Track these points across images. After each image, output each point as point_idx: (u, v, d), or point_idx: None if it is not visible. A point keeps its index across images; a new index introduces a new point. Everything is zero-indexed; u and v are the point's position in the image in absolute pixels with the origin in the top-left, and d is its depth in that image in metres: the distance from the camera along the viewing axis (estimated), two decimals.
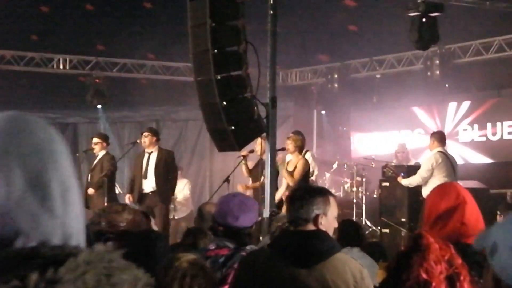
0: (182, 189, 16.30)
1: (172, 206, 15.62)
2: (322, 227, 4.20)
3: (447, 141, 16.21)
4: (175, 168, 13.28)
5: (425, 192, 12.01)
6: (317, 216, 4.18)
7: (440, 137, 12.57)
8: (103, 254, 1.34)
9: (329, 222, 4.26)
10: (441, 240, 2.85)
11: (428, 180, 11.99)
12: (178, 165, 16.65)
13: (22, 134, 1.44)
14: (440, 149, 12.33)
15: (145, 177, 12.89)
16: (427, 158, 12.37)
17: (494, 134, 15.89)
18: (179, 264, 3.80)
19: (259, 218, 10.12)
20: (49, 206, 1.41)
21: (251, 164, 13.06)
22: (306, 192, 4.30)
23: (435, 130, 13.33)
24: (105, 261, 1.32)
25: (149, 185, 12.85)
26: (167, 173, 12.88)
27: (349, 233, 7.47)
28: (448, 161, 12.19)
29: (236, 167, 12.73)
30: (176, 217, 15.56)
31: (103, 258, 1.33)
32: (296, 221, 4.20)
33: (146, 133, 13.12)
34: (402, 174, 12.99)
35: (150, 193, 12.81)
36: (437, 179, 11.71)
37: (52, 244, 1.38)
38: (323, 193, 4.32)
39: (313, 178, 13.25)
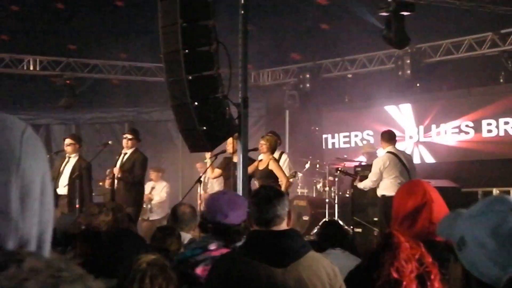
0: (160, 191, 16.25)
1: (149, 206, 15.59)
2: (291, 222, 4.30)
3: (420, 139, 16.38)
4: (140, 170, 13.00)
5: (379, 192, 12.15)
6: (289, 212, 4.27)
7: (388, 137, 12.55)
8: (52, 262, 1.26)
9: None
10: (411, 239, 2.84)
11: (379, 182, 12.13)
12: (158, 168, 16.62)
13: None
14: (389, 149, 12.34)
15: (117, 178, 12.91)
16: (375, 161, 12.43)
17: (465, 132, 15.96)
18: (138, 266, 3.78)
19: None
20: (4, 210, 1.37)
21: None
22: (277, 191, 4.39)
23: (384, 130, 13.30)
24: (53, 269, 1.24)
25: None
26: (129, 174, 12.79)
27: (330, 233, 7.45)
28: (397, 161, 12.18)
29: (208, 167, 12.72)
30: (151, 219, 15.51)
31: (51, 266, 1.25)
32: (274, 220, 4.20)
33: (128, 135, 13.08)
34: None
35: (116, 192, 12.82)
36: (388, 180, 11.90)
37: (4, 250, 1.32)
38: (283, 192, 4.48)
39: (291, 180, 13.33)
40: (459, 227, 2.14)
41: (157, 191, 16.17)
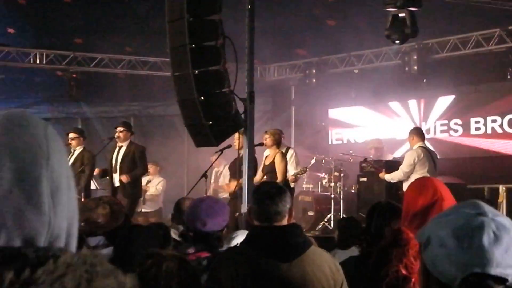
0: (156, 184, 16.28)
1: (142, 198, 15.61)
2: (292, 218, 4.31)
3: (426, 135, 16.35)
4: (143, 164, 13.06)
5: (406, 187, 12.02)
6: (290, 209, 4.28)
7: (418, 133, 12.64)
8: (86, 258, 1.31)
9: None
10: None
11: (410, 175, 12.04)
12: (157, 163, 16.66)
13: (17, 129, 1.41)
14: (420, 144, 12.38)
15: (115, 171, 12.93)
16: (409, 153, 12.38)
17: (472, 129, 15.93)
18: (168, 264, 3.75)
19: (237, 214, 10.14)
20: (37, 203, 1.38)
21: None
22: (279, 187, 4.38)
23: (414, 126, 13.37)
24: (88, 265, 1.29)
25: (118, 179, 12.89)
26: (133, 167, 12.82)
27: (353, 231, 7.40)
28: (429, 156, 12.23)
29: (213, 162, 12.71)
30: (143, 211, 15.55)
31: (85, 261, 1.29)
32: (276, 216, 4.19)
33: (120, 128, 13.13)
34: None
35: (120, 187, 12.83)
36: (419, 175, 11.73)
37: (36, 245, 1.35)
38: (285, 188, 4.44)
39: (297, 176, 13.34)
40: (428, 227, 2.17)
41: (153, 184, 16.20)
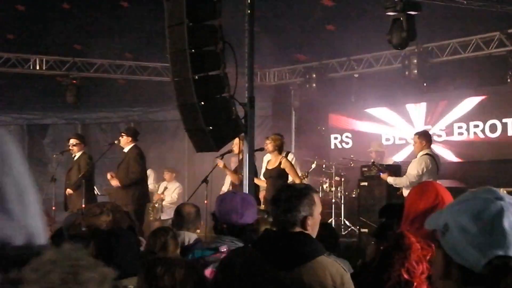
0: (172, 191, 16.31)
1: (160, 206, 15.69)
2: (309, 227, 4.17)
3: None
4: (136, 168, 12.85)
5: (407, 194, 11.91)
6: (305, 218, 4.14)
7: (427, 137, 12.27)
8: (69, 253, 1.35)
9: (315, 221, 4.24)
10: (423, 240, 2.82)
11: (416, 184, 11.82)
12: (172, 169, 16.71)
13: None
14: (427, 151, 12.12)
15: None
16: (417, 162, 12.04)
17: (472, 133, 15.91)
18: (179, 271, 3.73)
19: None
20: (6, 209, 1.40)
21: (233, 164, 13.22)
22: (292, 195, 4.19)
23: (422, 129, 13.20)
24: (72, 260, 1.33)
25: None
26: (127, 171, 12.75)
27: (323, 237, 7.31)
28: (435, 163, 12.05)
29: (214, 168, 12.69)
30: (162, 218, 15.56)
31: (69, 256, 1.34)
32: (283, 224, 4.13)
33: (122, 133, 13.14)
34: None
35: (117, 192, 12.84)
36: None
37: (15, 245, 1.38)
38: (308, 193, 4.23)
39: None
40: (444, 214, 2.22)
41: (169, 191, 16.25)
